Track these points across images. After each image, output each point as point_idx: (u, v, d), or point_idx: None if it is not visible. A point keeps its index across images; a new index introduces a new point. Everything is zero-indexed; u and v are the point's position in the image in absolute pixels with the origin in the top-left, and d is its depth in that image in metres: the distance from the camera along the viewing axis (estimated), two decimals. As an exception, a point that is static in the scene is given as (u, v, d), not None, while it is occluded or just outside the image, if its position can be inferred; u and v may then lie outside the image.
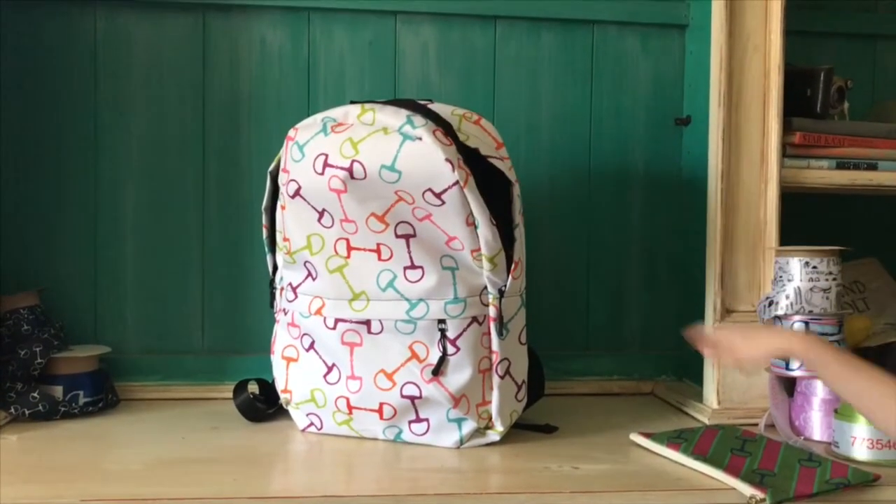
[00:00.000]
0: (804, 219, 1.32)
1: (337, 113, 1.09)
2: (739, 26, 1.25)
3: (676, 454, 1.04)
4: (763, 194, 1.26)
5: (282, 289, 1.18)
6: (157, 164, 1.39)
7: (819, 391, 1.15)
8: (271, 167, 1.17)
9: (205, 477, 0.97)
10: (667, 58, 1.47)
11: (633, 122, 1.47)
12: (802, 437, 1.16)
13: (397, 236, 1.07)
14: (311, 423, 1.17)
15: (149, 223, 1.39)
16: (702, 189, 1.31)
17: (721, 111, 1.25)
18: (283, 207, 1.13)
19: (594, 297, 1.48)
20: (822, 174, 1.27)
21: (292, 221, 1.12)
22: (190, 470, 1.00)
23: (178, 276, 1.40)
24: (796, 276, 1.15)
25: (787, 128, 1.26)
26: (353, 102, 1.12)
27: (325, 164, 1.05)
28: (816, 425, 1.16)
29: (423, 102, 1.10)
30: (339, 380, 1.13)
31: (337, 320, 1.11)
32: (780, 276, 1.17)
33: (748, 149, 1.26)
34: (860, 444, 1.05)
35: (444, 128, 1.05)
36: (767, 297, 1.19)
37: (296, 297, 1.15)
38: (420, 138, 1.02)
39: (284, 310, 1.18)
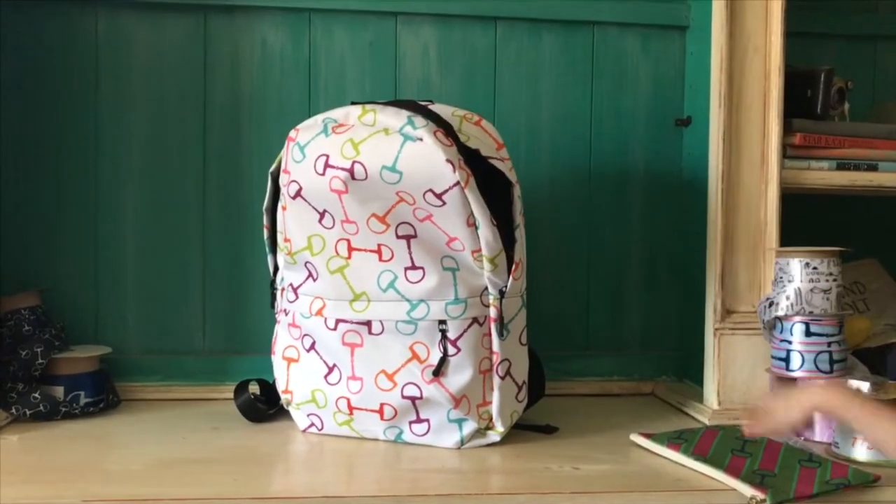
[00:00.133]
0: (804, 220, 1.32)
1: (338, 114, 1.09)
2: (740, 27, 1.25)
3: (677, 455, 1.04)
4: (763, 195, 1.26)
5: (283, 289, 1.18)
6: (158, 164, 1.39)
7: (819, 392, 1.15)
8: (272, 168, 1.17)
9: (205, 477, 0.97)
10: (667, 59, 1.48)
11: (634, 123, 1.48)
12: (802, 438, 1.16)
13: (398, 237, 1.07)
14: (312, 424, 1.17)
15: (149, 223, 1.39)
16: (702, 190, 1.31)
17: (721, 112, 1.25)
18: (283, 208, 1.13)
19: (594, 297, 1.49)
20: (822, 175, 1.27)
21: (293, 222, 1.12)
22: (191, 470, 1.00)
23: (179, 277, 1.40)
24: (797, 277, 1.16)
25: (787, 129, 1.26)
26: (353, 103, 1.12)
27: (326, 165, 1.05)
28: (817, 426, 1.16)
29: (423, 103, 1.10)
30: (339, 380, 1.13)
31: (338, 321, 1.11)
32: (781, 277, 1.17)
33: (748, 150, 1.26)
34: (860, 445, 1.05)
35: (445, 129, 1.05)
36: (768, 298, 1.19)
37: (297, 297, 1.15)
38: (421, 139, 1.02)
39: (285, 310, 1.18)
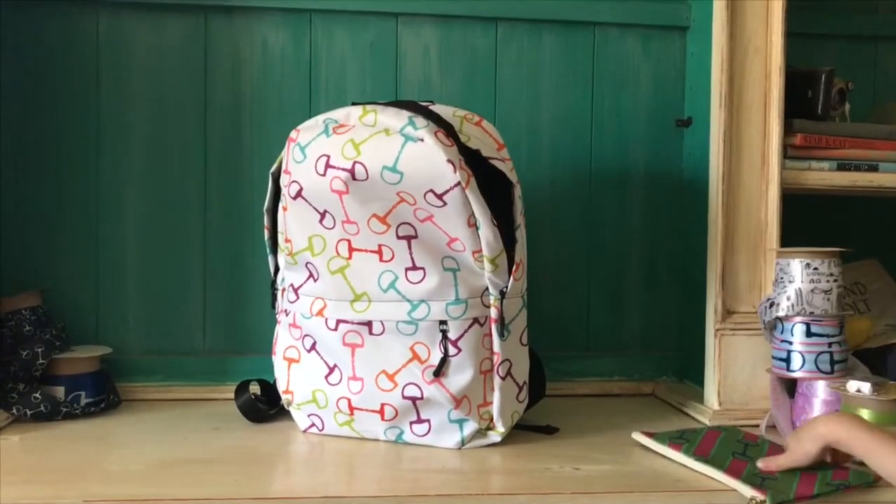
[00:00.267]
0: (805, 220, 1.32)
1: (338, 114, 1.09)
2: (740, 28, 1.25)
3: (678, 454, 1.04)
4: (764, 195, 1.26)
5: (283, 290, 1.19)
6: (159, 164, 1.39)
7: (820, 392, 1.15)
8: (273, 168, 1.17)
9: (206, 477, 0.97)
10: (668, 59, 1.48)
11: (634, 124, 1.48)
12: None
13: (399, 237, 1.07)
14: (313, 424, 1.17)
15: (150, 224, 1.39)
16: (703, 190, 1.31)
17: (722, 113, 1.25)
18: (284, 209, 1.13)
19: (595, 298, 1.49)
20: (822, 175, 1.27)
21: (294, 222, 1.12)
22: (191, 470, 1.00)
23: (180, 277, 1.40)
24: (797, 278, 1.16)
25: (788, 129, 1.26)
26: (354, 104, 1.12)
27: (327, 166, 1.05)
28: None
29: (424, 104, 1.10)
30: (340, 381, 1.13)
31: (338, 321, 1.11)
32: (781, 278, 1.17)
33: (749, 150, 1.26)
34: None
35: (446, 129, 1.05)
36: (768, 299, 1.19)
37: (297, 298, 1.15)
38: (422, 139, 1.02)
39: (286, 311, 1.18)
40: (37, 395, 1.20)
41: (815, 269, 1.15)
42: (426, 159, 1.02)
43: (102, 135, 1.38)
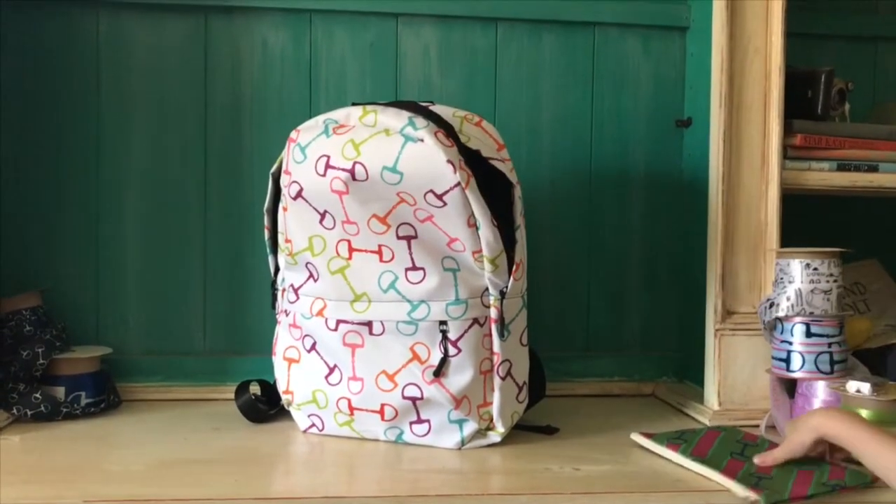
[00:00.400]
0: (805, 220, 1.32)
1: (338, 115, 1.09)
2: (740, 28, 1.25)
3: (675, 455, 1.04)
4: (764, 196, 1.26)
5: (283, 290, 1.19)
6: (159, 165, 1.39)
7: (820, 392, 1.15)
8: (273, 169, 1.17)
9: (206, 478, 0.97)
10: (668, 60, 1.48)
11: (634, 124, 1.48)
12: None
13: (399, 238, 1.07)
14: (313, 424, 1.17)
15: (150, 224, 1.39)
16: (703, 191, 1.31)
17: (722, 113, 1.25)
18: (284, 209, 1.13)
19: (595, 298, 1.49)
20: (822, 176, 1.27)
21: (294, 223, 1.12)
22: (191, 471, 1.00)
23: (180, 277, 1.40)
24: (797, 278, 1.16)
25: (787, 130, 1.26)
26: (354, 104, 1.12)
27: (327, 166, 1.05)
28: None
29: (424, 104, 1.11)
30: (340, 381, 1.13)
31: (338, 321, 1.11)
32: (781, 278, 1.17)
33: (749, 150, 1.26)
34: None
35: (446, 129, 1.05)
36: (768, 299, 1.19)
37: (297, 298, 1.15)
38: (422, 140, 1.02)
39: (286, 311, 1.18)
40: (37, 395, 1.20)
41: (815, 269, 1.15)
42: (426, 160, 1.02)
43: (102, 135, 1.38)
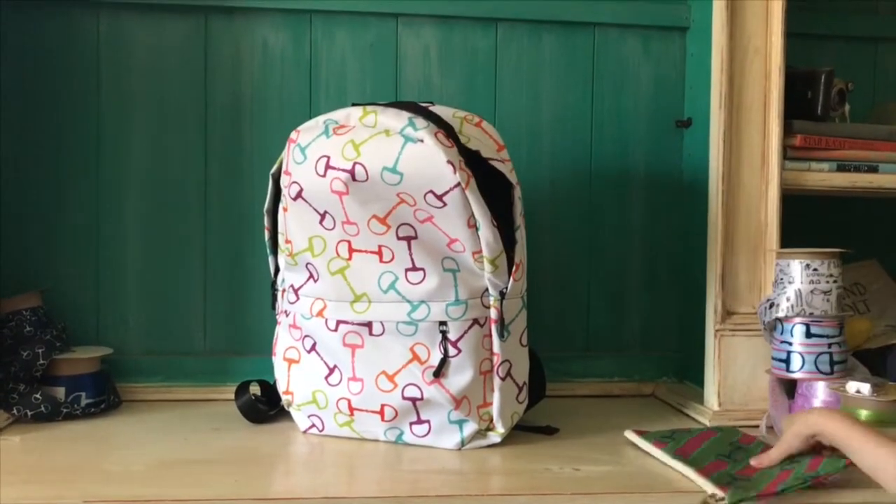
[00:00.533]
0: (805, 221, 1.32)
1: (339, 115, 1.09)
2: (740, 28, 1.26)
3: (660, 452, 1.04)
4: (764, 196, 1.26)
5: (283, 290, 1.19)
6: (159, 165, 1.39)
7: (820, 393, 1.15)
8: (273, 169, 1.17)
9: (206, 478, 0.97)
10: (668, 60, 1.48)
11: (634, 125, 1.48)
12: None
13: (399, 238, 1.07)
14: (313, 425, 1.17)
15: (150, 224, 1.39)
16: (702, 191, 1.31)
17: (722, 113, 1.25)
18: (284, 209, 1.13)
19: (595, 298, 1.49)
20: (822, 176, 1.28)
21: (294, 223, 1.12)
22: (191, 471, 1.00)
23: (180, 278, 1.40)
24: (797, 278, 1.16)
25: (787, 130, 1.26)
26: (354, 105, 1.12)
27: (327, 167, 1.05)
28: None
29: (424, 105, 1.11)
30: (340, 381, 1.13)
31: (338, 322, 1.11)
32: (781, 278, 1.17)
33: (749, 151, 1.26)
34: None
35: (446, 130, 1.05)
36: (768, 299, 1.19)
37: (297, 298, 1.15)
38: (422, 140, 1.02)
39: (286, 311, 1.18)
40: (37, 395, 1.20)
41: (815, 269, 1.15)
42: (426, 160, 1.02)
43: (102, 135, 1.38)
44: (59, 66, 1.37)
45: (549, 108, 1.46)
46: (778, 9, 1.25)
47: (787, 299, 1.16)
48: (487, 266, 1.07)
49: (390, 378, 1.10)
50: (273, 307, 1.23)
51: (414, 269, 1.07)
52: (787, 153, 1.26)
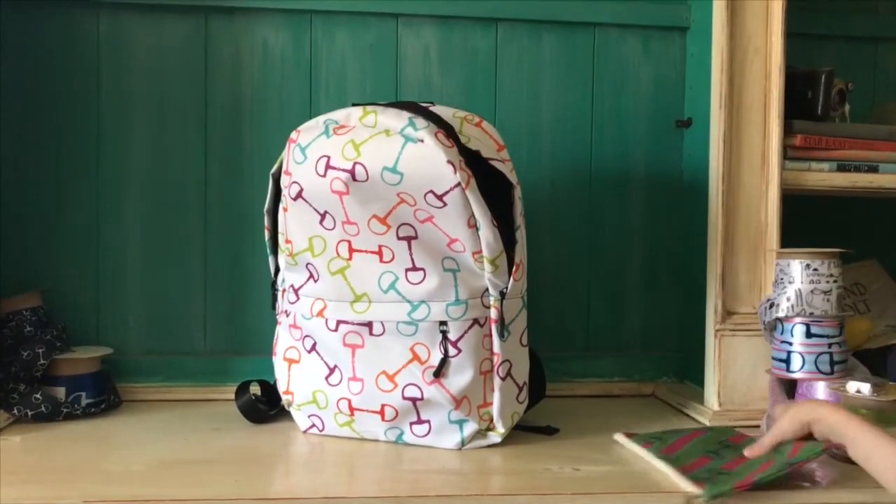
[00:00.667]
0: (805, 220, 1.32)
1: (339, 115, 1.09)
2: (740, 29, 1.26)
3: (646, 452, 1.04)
4: (764, 196, 1.26)
5: (283, 290, 1.19)
6: (159, 165, 1.39)
7: (820, 393, 1.15)
8: (273, 169, 1.17)
9: (206, 478, 0.97)
10: (668, 60, 1.48)
11: (634, 125, 1.48)
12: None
13: (399, 238, 1.07)
14: (313, 425, 1.17)
15: (150, 224, 1.39)
16: (703, 191, 1.31)
17: (722, 113, 1.25)
18: (285, 209, 1.13)
19: (595, 298, 1.49)
20: (822, 176, 1.28)
21: (294, 223, 1.12)
22: (192, 471, 1.00)
23: (180, 278, 1.40)
24: (797, 278, 1.16)
25: (787, 130, 1.26)
26: (354, 105, 1.12)
27: (328, 167, 1.05)
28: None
29: (424, 105, 1.11)
30: (340, 381, 1.13)
31: (338, 322, 1.11)
32: (781, 278, 1.17)
33: (749, 151, 1.26)
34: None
35: (446, 130, 1.05)
36: (768, 299, 1.19)
37: (297, 298, 1.15)
38: (422, 140, 1.02)
39: (286, 311, 1.18)
40: (38, 395, 1.20)
41: (815, 269, 1.15)
42: (426, 160, 1.02)
43: (102, 135, 1.38)
44: (59, 66, 1.37)
45: (549, 108, 1.46)
46: (778, 9, 1.25)
47: (788, 299, 1.16)
48: (488, 266, 1.07)
49: (390, 378, 1.10)
50: (273, 307, 1.23)
51: (414, 269, 1.07)
52: (788, 153, 1.27)
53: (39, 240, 1.37)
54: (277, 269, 1.21)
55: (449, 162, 1.02)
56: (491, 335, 1.09)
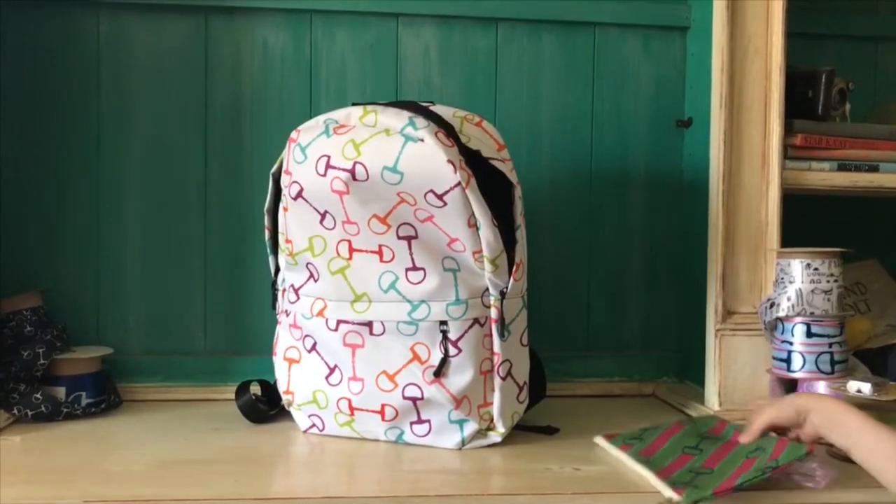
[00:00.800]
0: (805, 220, 1.32)
1: (339, 115, 1.09)
2: (741, 28, 1.26)
3: (625, 456, 1.03)
4: (764, 196, 1.26)
5: (284, 290, 1.19)
6: (159, 165, 1.39)
7: (820, 393, 1.15)
8: (273, 169, 1.17)
9: (206, 478, 0.97)
10: (668, 60, 1.48)
11: (635, 124, 1.48)
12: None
13: (399, 238, 1.07)
14: (313, 425, 1.17)
15: (150, 224, 1.39)
16: (703, 191, 1.31)
17: (722, 113, 1.25)
18: (285, 209, 1.13)
19: (595, 298, 1.49)
20: (823, 176, 1.27)
21: (294, 223, 1.12)
22: (192, 471, 1.00)
23: (180, 278, 1.40)
24: (798, 278, 1.16)
25: (788, 129, 1.26)
26: (355, 104, 1.12)
27: (328, 166, 1.05)
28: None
29: (424, 104, 1.11)
30: (340, 381, 1.13)
31: (339, 322, 1.11)
32: (782, 278, 1.17)
33: (749, 151, 1.26)
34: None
35: (446, 129, 1.05)
36: (769, 299, 1.19)
37: (298, 298, 1.15)
38: (422, 140, 1.02)
39: (286, 311, 1.18)
40: (38, 395, 1.20)
41: (816, 269, 1.15)
42: (427, 160, 1.02)
43: (102, 135, 1.38)
44: (59, 66, 1.37)
45: (550, 108, 1.46)
46: (778, 8, 1.25)
47: (788, 299, 1.16)
48: (488, 266, 1.06)
49: (391, 378, 1.09)
50: (273, 307, 1.23)
51: (414, 268, 1.07)
52: (788, 153, 1.26)
53: (39, 240, 1.37)
54: (277, 269, 1.21)
55: (449, 161, 1.01)
56: (491, 335, 1.09)
